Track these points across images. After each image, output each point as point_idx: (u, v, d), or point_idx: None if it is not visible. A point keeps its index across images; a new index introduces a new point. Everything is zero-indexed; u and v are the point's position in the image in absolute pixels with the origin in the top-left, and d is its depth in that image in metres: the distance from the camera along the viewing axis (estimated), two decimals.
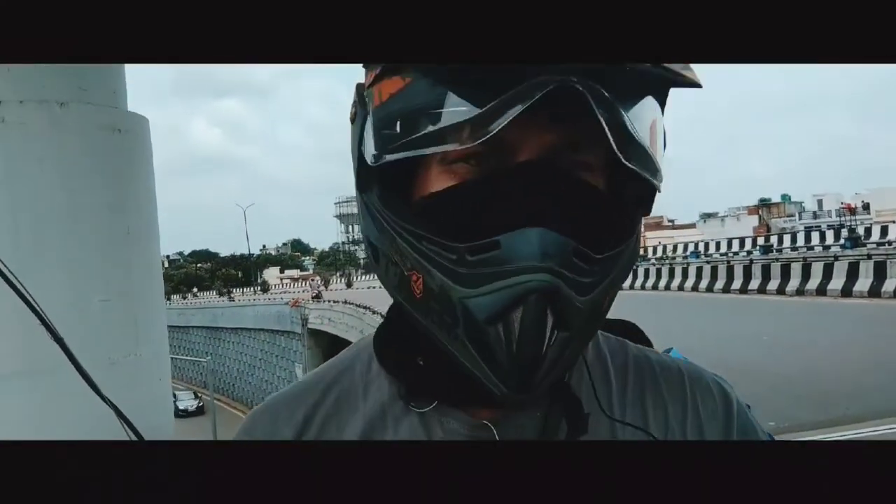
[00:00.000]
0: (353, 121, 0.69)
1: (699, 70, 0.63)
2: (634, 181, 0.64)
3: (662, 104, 0.66)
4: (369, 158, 0.65)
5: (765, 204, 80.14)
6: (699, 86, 0.62)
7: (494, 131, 0.58)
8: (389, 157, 0.63)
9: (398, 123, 0.62)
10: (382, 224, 0.66)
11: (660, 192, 0.67)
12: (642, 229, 0.69)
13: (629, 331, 0.85)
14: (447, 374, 0.65)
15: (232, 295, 62.94)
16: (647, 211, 0.69)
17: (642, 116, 0.62)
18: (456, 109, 0.59)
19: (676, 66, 0.61)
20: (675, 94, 0.67)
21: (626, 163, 0.60)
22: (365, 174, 0.67)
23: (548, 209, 0.59)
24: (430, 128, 0.60)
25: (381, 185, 0.66)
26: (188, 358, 40.09)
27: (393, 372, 0.72)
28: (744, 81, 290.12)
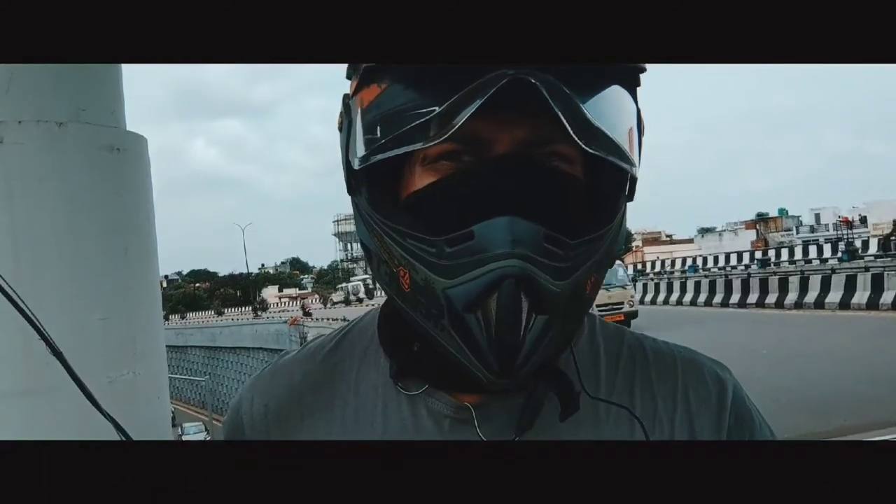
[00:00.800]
0: (340, 129, 0.73)
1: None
2: (607, 167, 0.67)
3: (633, 92, 0.69)
4: (355, 163, 0.69)
5: (762, 218, 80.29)
6: (643, 69, 0.66)
7: (457, 125, 0.61)
8: (372, 160, 0.67)
9: (378, 127, 0.66)
10: (371, 225, 0.69)
11: (636, 177, 0.70)
12: (626, 214, 0.71)
13: None
14: (438, 361, 0.68)
15: (223, 312, 62.64)
16: (630, 197, 0.71)
17: (605, 104, 0.65)
18: (424, 110, 0.63)
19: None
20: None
21: (587, 148, 0.63)
22: (354, 178, 0.71)
23: (517, 198, 0.62)
24: (404, 128, 0.63)
25: (368, 187, 0.70)
26: (186, 377, 39.91)
27: (388, 352, 0.76)
28: (739, 98, 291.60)
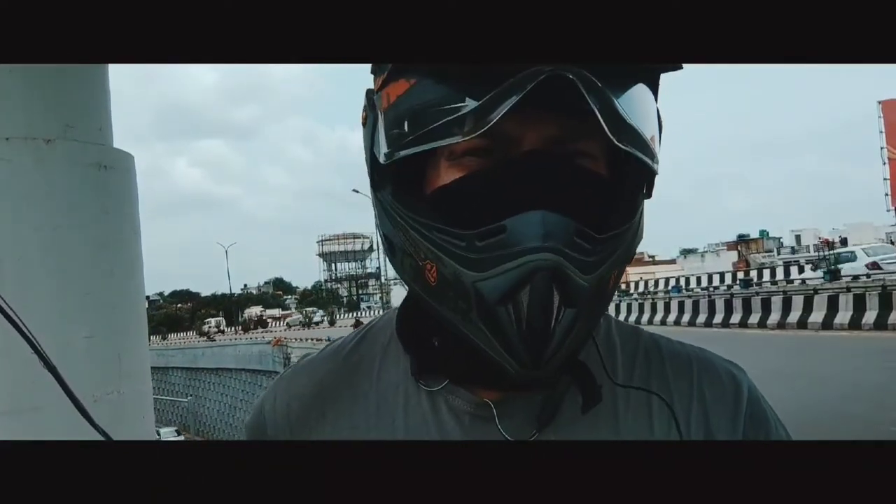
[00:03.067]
0: (364, 124, 0.73)
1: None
2: (632, 165, 0.68)
3: (655, 91, 0.70)
4: (381, 157, 0.69)
5: (743, 240, 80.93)
6: (680, 67, 0.67)
7: (493, 121, 0.61)
8: (400, 154, 0.67)
9: (406, 122, 0.66)
10: (396, 219, 0.69)
11: (657, 174, 0.71)
12: (644, 211, 0.72)
13: None
14: (459, 356, 0.69)
15: (206, 332, 62.28)
16: (648, 194, 0.72)
17: (633, 101, 0.66)
18: (457, 105, 0.63)
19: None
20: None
21: (619, 144, 0.64)
22: (378, 173, 0.71)
23: (549, 193, 0.63)
24: (435, 123, 0.64)
25: (394, 181, 0.70)
26: (168, 398, 39.43)
27: (409, 349, 0.76)
28: (719, 124, 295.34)
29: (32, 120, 2.41)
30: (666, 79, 0.70)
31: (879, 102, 38.69)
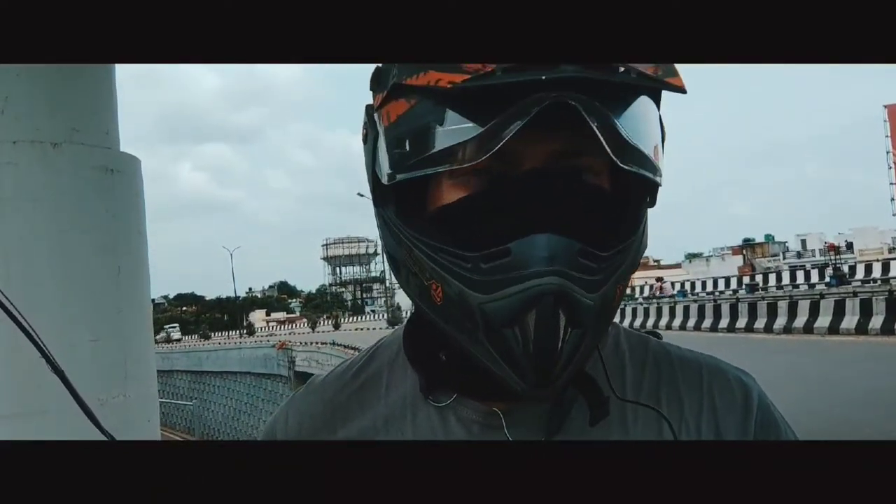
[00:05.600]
0: (365, 141, 0.73)
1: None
2: (635, 178, 0.67)
3: (657, 99, 0.69)
4: (384, 178, 0.69)
5: (749, 244, 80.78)
6: (683, 91, 0.65)
7: (498, 146, 0.61)
8: (402, 176, 0.67)
9: (408, 143, 0.66)
10: (400, 237, 0.69)
11: (660, 185, 0.70)
12: (647, 220, 0.72)
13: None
14: (466, 370, 0.69)
15: (210, 336, 62.43)
16: (652, 203, 0.72)
17: (636, 117, 0.66)
18: (459, 127, 0.63)
19: (662, 73, 0.64)
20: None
21: (623, 165, 0.64)
22: (381, 191, 0.71)
23: (553, 214, 0.63)
24: (439, 146, 0.64)
25: (397, 201, 0.70)
26: (173, 402, 39.45)
27: (416, 365, 0.77)
28: (725, 127, 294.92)
29: (39, 124, 2.41)
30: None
31: (885, 106, 38.63)
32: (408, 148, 0.66)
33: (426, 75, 0.62)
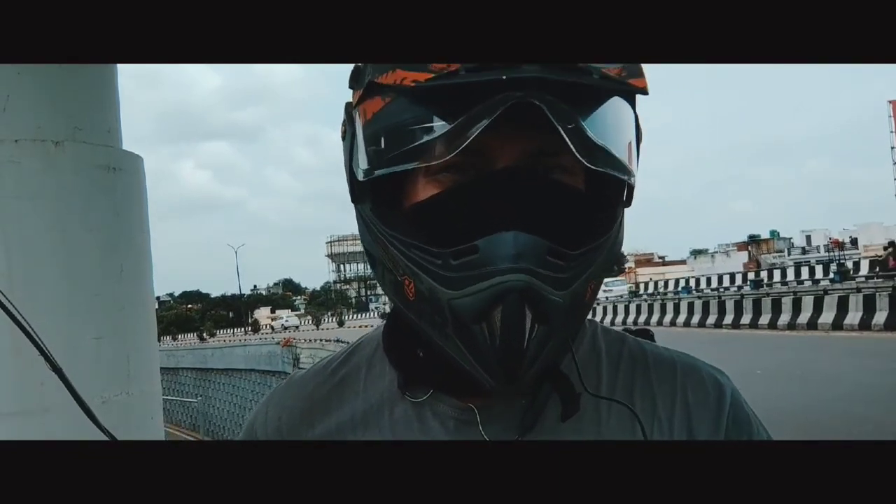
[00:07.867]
0: (343, 138, 0.74)
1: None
2: (608, 177, 0.68)
3: (631, 101, 0.70)
4: (360, 174, 0.70)
5: (754, 240, 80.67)
6: (645, 93, 0.66)
7: (464, 144, 0.62)
8: (378, 173, 0.68)
9: (382, 140, 0.67)
10: (376, 234, 0.71)
11: (633, 185, 0.71)
12: (624, 219, 0.73)
13: (646, 336, 0.87)
14: (442, 366, 0.70)
15: (215, 333, 62.58)
16: (628, 203, 0.72)
17: (605, 118, 0.66)
18: (431, 125, 0.64)
19: (627, 75, 0.65)
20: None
21: (591, 166, 0.65)
22: (358, 188, 0.72)
23: (521, 212, 0.63)
24: (410, 144, 0.65)
25: (373, 197, 0.71)
26: (177, 399, 39.53)
27: (394, 362, 0.78)
28: (729, 124, 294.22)
29: (41, 122, 2.42)
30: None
31: (890, 102, 38.48)
32: (382, 145, 0.67)
33: (394, 74, 0.64)
